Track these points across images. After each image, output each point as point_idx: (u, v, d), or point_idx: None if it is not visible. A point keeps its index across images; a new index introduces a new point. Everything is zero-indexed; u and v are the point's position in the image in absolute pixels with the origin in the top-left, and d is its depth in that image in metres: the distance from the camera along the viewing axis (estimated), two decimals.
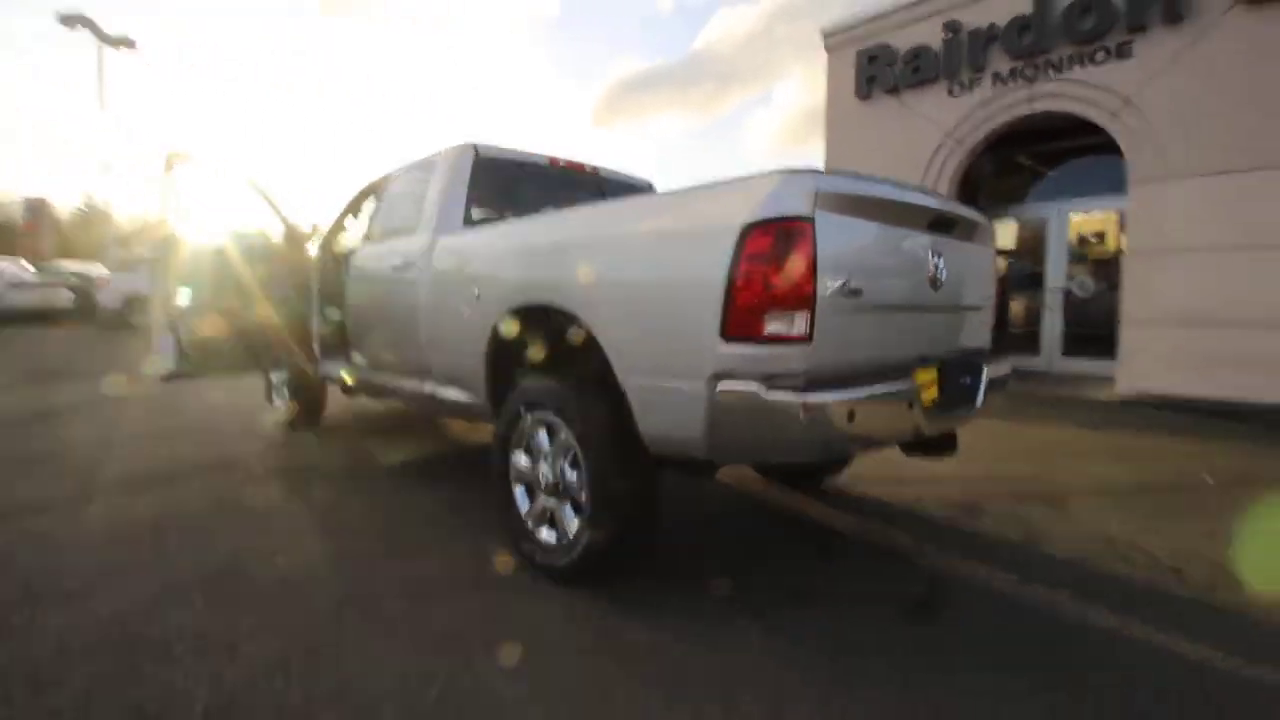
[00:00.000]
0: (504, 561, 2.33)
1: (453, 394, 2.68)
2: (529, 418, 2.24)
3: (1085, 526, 2.89)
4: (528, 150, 3.12)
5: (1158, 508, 3.23)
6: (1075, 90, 7.63)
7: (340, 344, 3.86)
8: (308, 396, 4.25)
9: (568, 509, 2.16)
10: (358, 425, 4.83)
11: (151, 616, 1.91)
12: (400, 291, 2.90)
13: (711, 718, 1.52)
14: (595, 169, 3.47)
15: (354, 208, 3.83)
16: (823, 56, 9.91)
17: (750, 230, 1.59)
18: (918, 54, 8.81)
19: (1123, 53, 7.24)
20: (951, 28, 8.45)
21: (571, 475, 2.12)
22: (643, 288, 1.84)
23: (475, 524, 2.75)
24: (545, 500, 2.23)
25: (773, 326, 1.60)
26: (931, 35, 8.66)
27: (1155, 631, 1.93)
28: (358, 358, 3.50)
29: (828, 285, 1.59)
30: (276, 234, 3.94)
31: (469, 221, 2.82)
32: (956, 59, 8.46)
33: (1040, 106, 7.92)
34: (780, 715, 1.49)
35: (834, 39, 9.79)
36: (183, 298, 3.37)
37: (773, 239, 1.57)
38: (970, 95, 8.44)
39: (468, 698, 1.54)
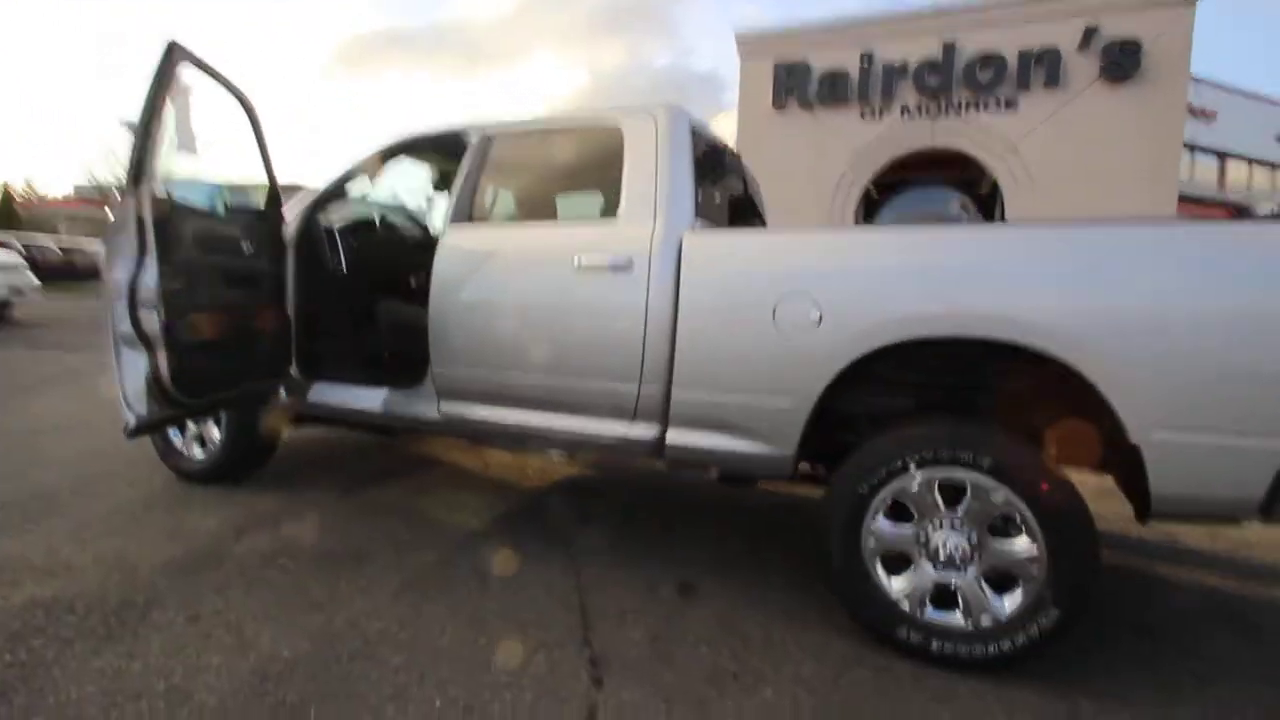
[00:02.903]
0: (867, 653, 1.82)
1: (708, 441, 2.02)
2: (918, 474, 1.80)
3: None
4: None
5: None
6: (971, 132, 9.14)
7: (386, 359, 2.74)
8: (252, 436, 2.84)
9: (981, 585, 1.78)
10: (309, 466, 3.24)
11: None
12: (599, 299, 2.07)
13: None
14: (734, 151, 3.02)
15: (372, 171, 2.71)
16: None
17: None
18: (834, 77, 9.72)
19: (1010, 104, 8.92)
20: (867, 58, 9.53)
21: (1004, 544, 1.74)
22: (1206, 323, 1.55)
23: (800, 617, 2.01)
24: (936, 574, 1.81)
25: None
26: (848, 60, 9.64)
27: None
28: (449, 379, 2.40)
29: None
30: (258, 194, 2.63)
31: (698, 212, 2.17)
32: (870, 87, 9.55)
33: (941, 142, 9.33)
34: None
35: (749, 46, 10.33)
36: (167, 285, 1.92)
37: None
38: (879, 122, 9.59)
39: None
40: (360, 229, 3.11)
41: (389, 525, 2.50)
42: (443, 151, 2.84)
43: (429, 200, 3.43)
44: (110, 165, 29.08)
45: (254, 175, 2.72)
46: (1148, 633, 2.00)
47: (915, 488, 1.84)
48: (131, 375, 2.00)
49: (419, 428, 2.66)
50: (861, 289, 1.89)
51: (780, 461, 2.03)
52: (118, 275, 1.98)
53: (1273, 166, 17.41)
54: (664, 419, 2.14)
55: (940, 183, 10.79)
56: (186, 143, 2.06)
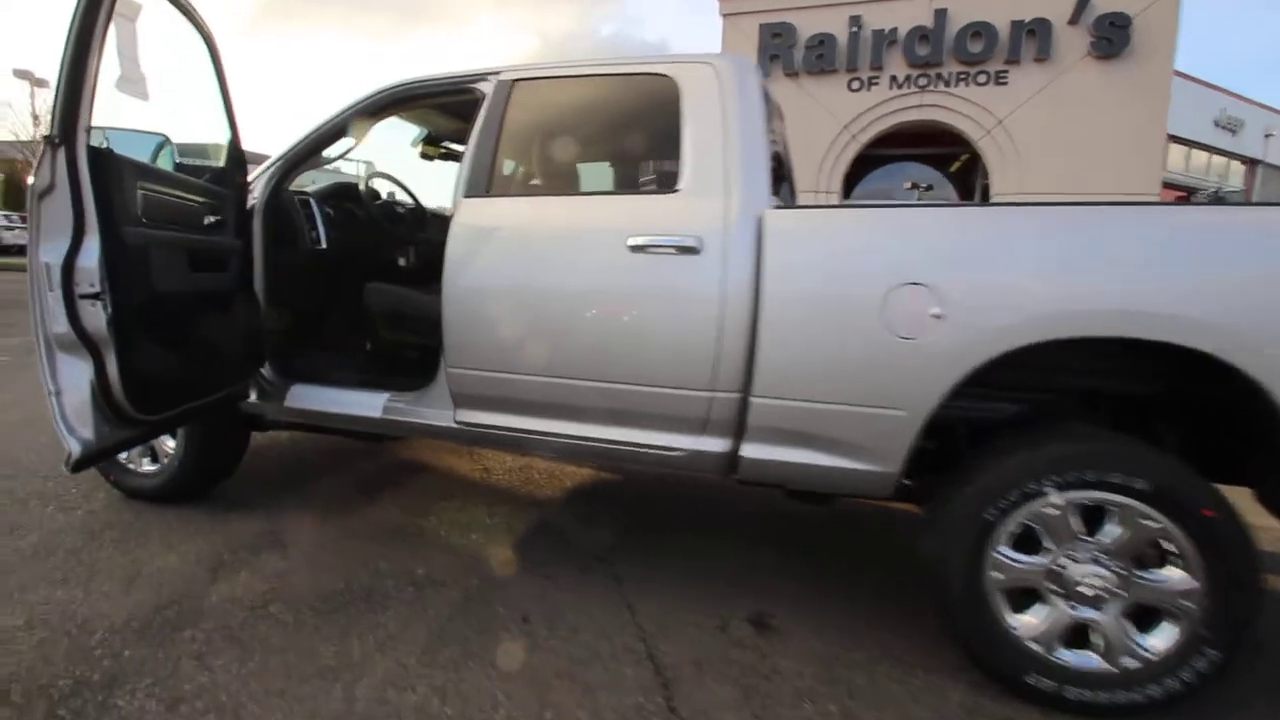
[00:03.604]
0: (987, 702, 1.60)
1: (792, 456, 1.72)
2: (1058, 498, 1.56)
3: None
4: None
5: None
6: (959, 105, 9.04)
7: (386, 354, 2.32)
8: (215, 444, 2.38)
9: (1124, 623, 1.57)
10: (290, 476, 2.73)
11: None
12: (659, 288, 1.71)
13: None
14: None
15: (354, 128, 2.25)
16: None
17: None
18: (821, 41, 9.44)
19: (1000, 79, 8.83)
20: (856, 22, 9.27)
21: (1155, 577, 1.53)
22: None
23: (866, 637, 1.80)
24: (1072, 611, 1.60)
25: None
26: (835, 25, 9.36)
27: None
28: (468, 381, 1.99)
29: None
30: (217, 153, 2.14)
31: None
32: (858, 55, 9.30)
33: (928, 115, 9.20)
34: None
35: (732, 3, 9.92)
36: (115, 268, 1.41)
37: None
38: (868, 93, 9.38)
39: None
40: (341, 198, 2.67)
41: (395, 553, 2.15)
42: (447, 104, 2.42)
43: (425, 163, 2.98)
44: (7, 121, 26.23)
45: (205, 128, 2.25)
46: None
47: (1053, 513, 1.61)
48: (70, 389, 1.56)
49: (428, 436, 2.28)
50: (997, 279, 1.62)
51: (881, 479, 1.77)
52: (46, 257, 1.52)
53: (1211, 151, 18.03)
54: (739, 431, 1.85)
55: (914, 159, 10.73)
56: (133, 83, 1.60)
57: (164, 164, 2.05)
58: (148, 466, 2.40)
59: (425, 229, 2.96)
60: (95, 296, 1.49)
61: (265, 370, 2.31)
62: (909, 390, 1.68)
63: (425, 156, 3.05)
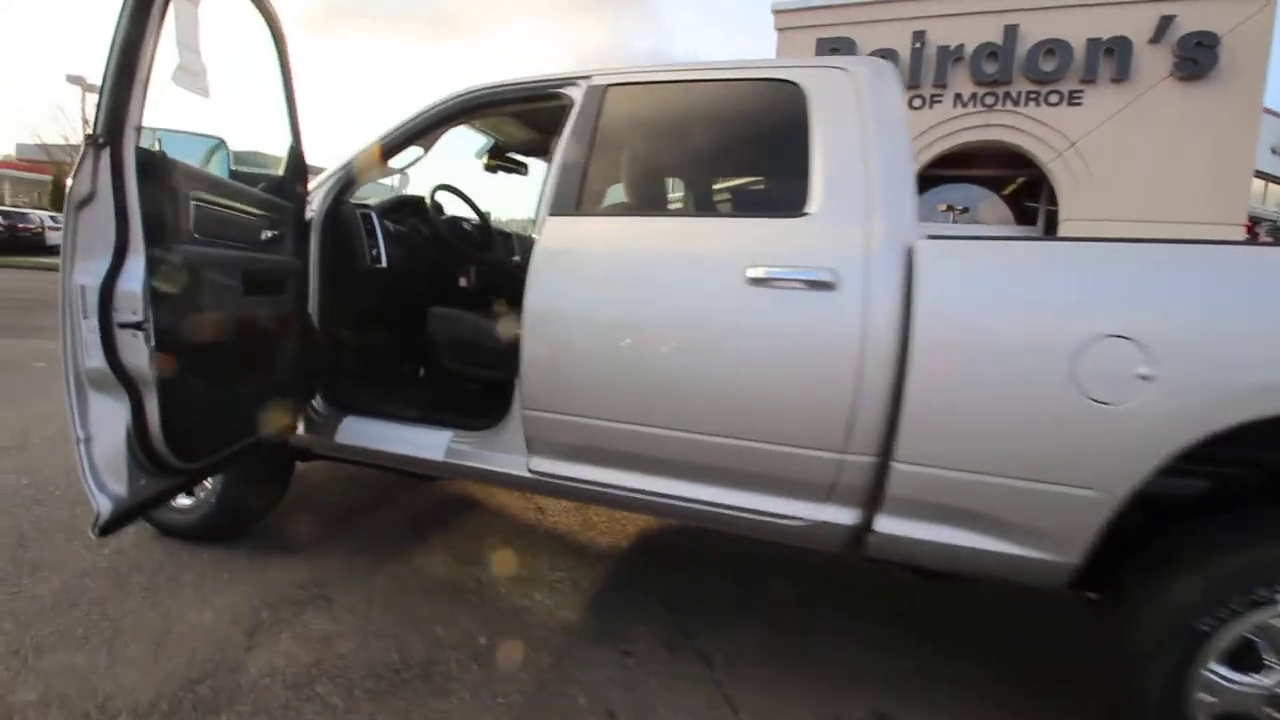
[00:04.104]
0: None
1: (939, 535, 1.45)
2: None
3: None
4: None
5: None
6: (1029, 126, 8.66)
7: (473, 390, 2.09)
8: (258, 479, 2.16)
9: None
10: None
11: None
12: (784, 327, 1.46)
13: None
14: None
15: (422, 138, 2.04)
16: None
17: None
18: (883, 56, 9.17)
19: (1074, 100, 8.45)
20: (919, 38, 8.99)
21: None
22: None
23: None
24: None
25: None
26: (897, 40, 9.09)
27: None
28: (547, 425, 1.73)
29: None
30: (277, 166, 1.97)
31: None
32: (922, 71, 9.01)
33: (994, 136, 8.84)
34: None
35: (788, 16, 9.73)
36: (164, 293, 1.36)
37: None
38: (931, 111, 9.07)
39: None
40: (404, 212, 2.47)
41: (453, 615, 1.91)
42: (525, 112, 2.21)
43: (497, 175, 2.78)
44: (59, 125, 27.16)
45: (259, 132, 2.06)
46: None
47: None
48: (102, 435, 1.35)
49: (496, 484, 2.04)
50: (1234, 333, 1.32)
51: (1054, 569, 1.47)
52: (81, 279, 1.31)
53: (1268, 179, 17.10)
54: (873, 502, 1.57)
55: (973, 182, 10.34)
56: (192, 76, 1.40)
57: (216, 170, 1.86)
58: (183, 501, 2.20)
59: (493, 248, 2.76)
60: (137, 326, 1.28)
61: (315, 401, 2.10)
62: (1103, 466, 1.38)
63: (490, 168, 2.85)
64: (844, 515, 1.60)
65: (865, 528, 1.58)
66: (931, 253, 1.50)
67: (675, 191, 1.92)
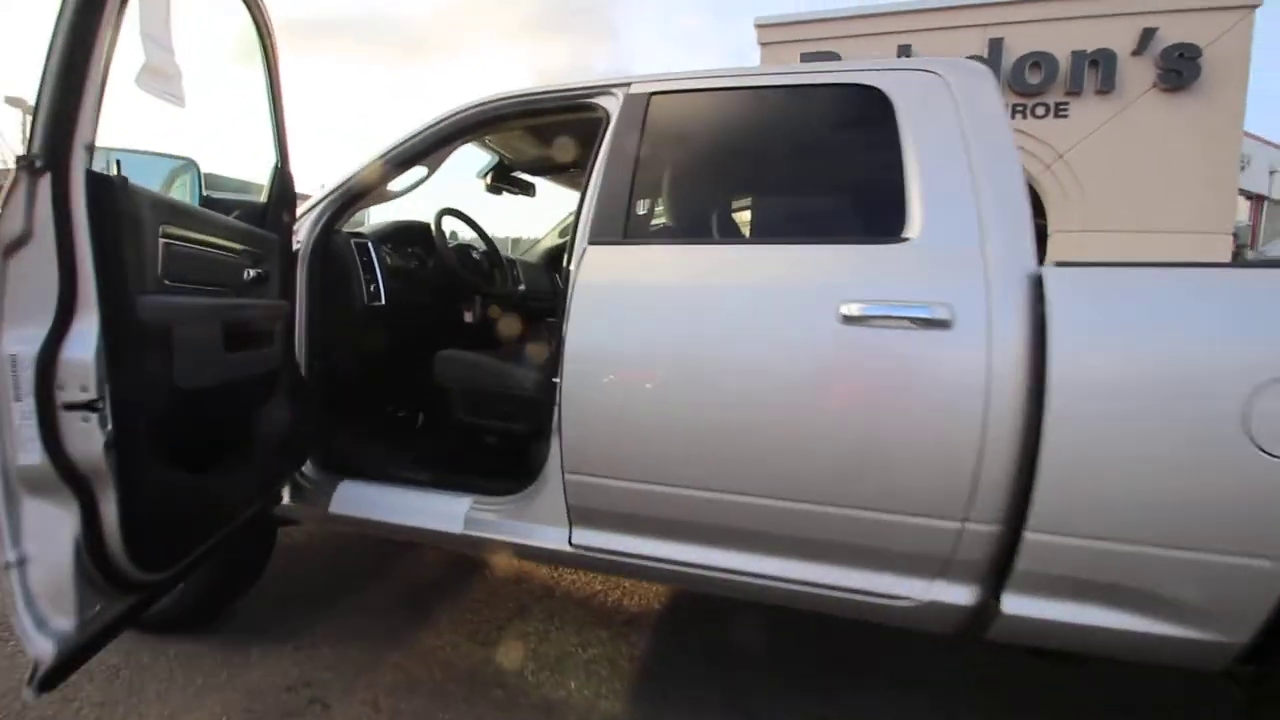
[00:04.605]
0: None
1: (1079, 615, 1.21)
2: None
3: None
4: None
5: None
6: (1015, 138, 8.68)
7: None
8: (234, 556, 1.80)
9: None
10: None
11: None
12: (889, 374, 1.22)
13: None
14: None
15: (426, 156, 1.77)
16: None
17: None
18: None
19: (1060, 112, 8.52)
20: (906, 52, 9.01)
21: None
22: None
23: None
24: None
25: None
26: (883, 54, 9.10)
27: None
28: (593, 491, 1.43)
29: None
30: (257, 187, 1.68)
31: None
32: None
33: None
34: None
35: (770, 31, 9.70)
36: (125, 363, 1.02)
37: None
38: None
39: None
40: (404, 241, 2.20)
41: (477, 717, 1.60)
42: (546, 126, 1.96)
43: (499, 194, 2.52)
44: None
45: (233, 153, 1.79)
46: None
47: None
48: (42, 553, 1.02)
49: (531, 559, 1.76)
50: None
51: (1215, 651, 1.25)
52: (11, 347, 1.00)
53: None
54: (998, 577, 1.33)
55: None
56: (162, 80, 1.12)
57: (186, 197, 1.57)
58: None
59: (505, 279, 2.49)
60: (89, 407, 0.98)
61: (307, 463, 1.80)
62: None
63: (492, 189, 2.60)
64: (961, 594, 1.36)
65: (988, 608, 1.34)
66: (1065, 282, 1.29)
67: (741, 214, 1.67)
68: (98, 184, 1.01)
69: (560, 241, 3.18)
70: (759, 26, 9.65)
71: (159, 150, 1.57)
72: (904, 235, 1.38)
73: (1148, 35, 8.04)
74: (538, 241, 3.23)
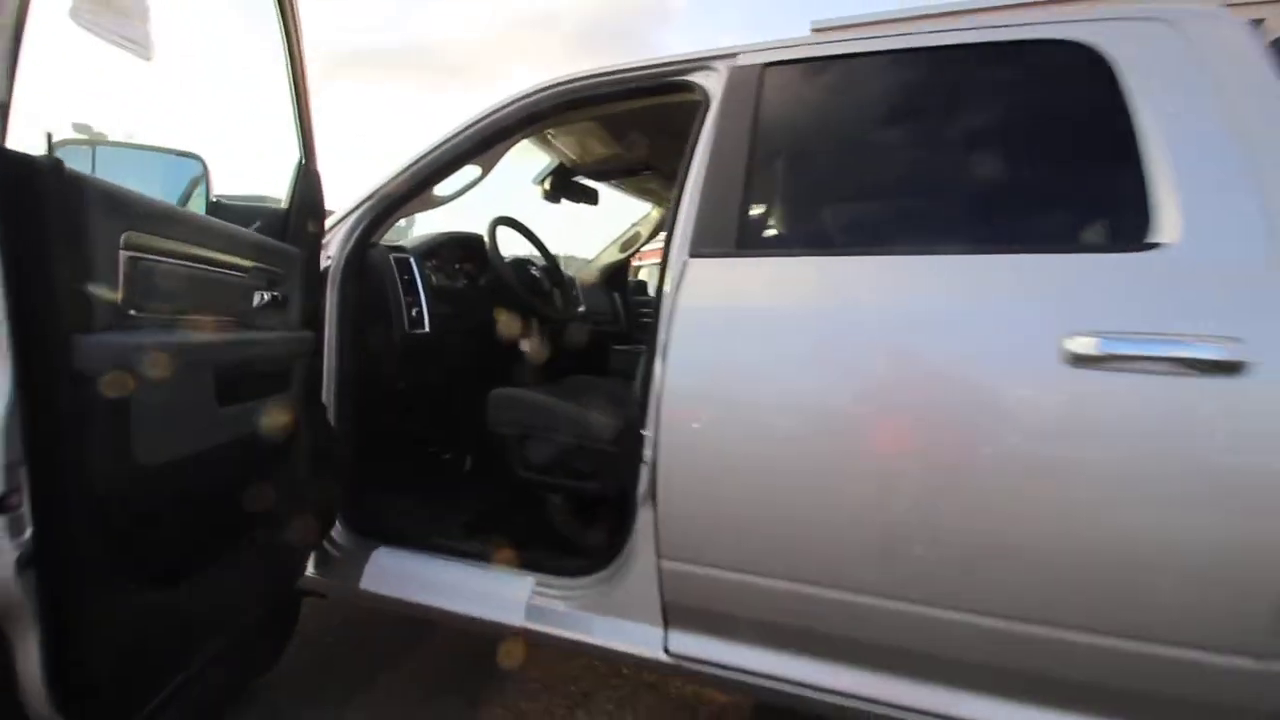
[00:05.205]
0: None
1: None
2: None
3: None
4: None
5: None
6: None
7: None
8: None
9: None
10: None
11: None
12: (1144, 441, 0.85)
13: None
14: None
15: (484, 153, 1.45)
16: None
17: None
18: None
19: None
20: None
21: None
22: None
23: None
24: None
25: None
26: None
27: None
28: (699, 582, 1.09)
29: None
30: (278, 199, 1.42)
31: None
32: None
33: None
34: None
35: (828, 35, 9.35)
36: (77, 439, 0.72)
37: None
38: None
39: None
40: (451, 257, 1.88)
41: None
42: (632, 113, 1.63)
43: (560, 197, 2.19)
44: None
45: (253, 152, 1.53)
46: None
47: None
48: None
49: (607, 661, 1.40)
50: None
51: None
52: None
53: None
54: None
55: None
56: (115, 18, 0.81)
57: (193, 204, 1.27)
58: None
59: (568, 303, 2.16)
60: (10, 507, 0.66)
61: (335, 528, 1.49)
62: None
63: (549, 196, 2.28)
64: None
65: None
66: None
67: (907, 218, 1.28)
68: (14, 167, 0.70)
69: (621, 257, 2.85)
70: (815, 30, 9.31)
71: (157, 146, 1.29)
72: (1152, 240, 0.98)
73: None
74: (595, 257, 2.90)
